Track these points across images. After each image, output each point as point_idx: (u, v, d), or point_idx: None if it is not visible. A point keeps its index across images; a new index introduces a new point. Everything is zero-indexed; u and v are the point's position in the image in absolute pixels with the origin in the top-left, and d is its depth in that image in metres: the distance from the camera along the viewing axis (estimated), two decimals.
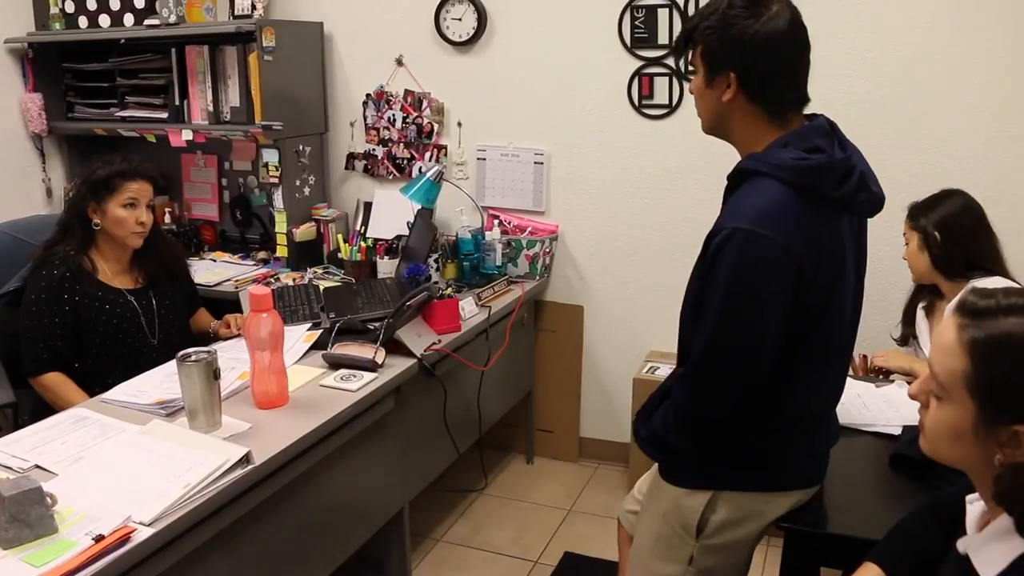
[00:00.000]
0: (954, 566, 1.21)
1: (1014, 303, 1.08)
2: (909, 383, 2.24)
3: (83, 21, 3.62)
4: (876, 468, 1.92)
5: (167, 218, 3.79)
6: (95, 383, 2.45)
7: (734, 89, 1.54)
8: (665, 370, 3.15)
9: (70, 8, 3.63)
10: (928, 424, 1.17)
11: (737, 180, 1.58)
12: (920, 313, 2.53)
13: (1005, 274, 2.32)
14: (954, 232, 2.34)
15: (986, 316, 1.08)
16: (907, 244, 2.44)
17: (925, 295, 2.52)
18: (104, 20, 3.58)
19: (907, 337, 2.59)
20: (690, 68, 1.66)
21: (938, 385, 1.12)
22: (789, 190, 1.47)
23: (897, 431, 2.04)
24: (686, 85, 3.14)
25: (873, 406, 2.18)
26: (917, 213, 2.41)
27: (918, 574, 1.37)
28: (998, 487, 1.09)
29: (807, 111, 1.63)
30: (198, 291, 2.96)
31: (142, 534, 1.59)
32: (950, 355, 1.10)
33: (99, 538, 1.54)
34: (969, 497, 1.25)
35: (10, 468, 1.83)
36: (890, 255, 2.67)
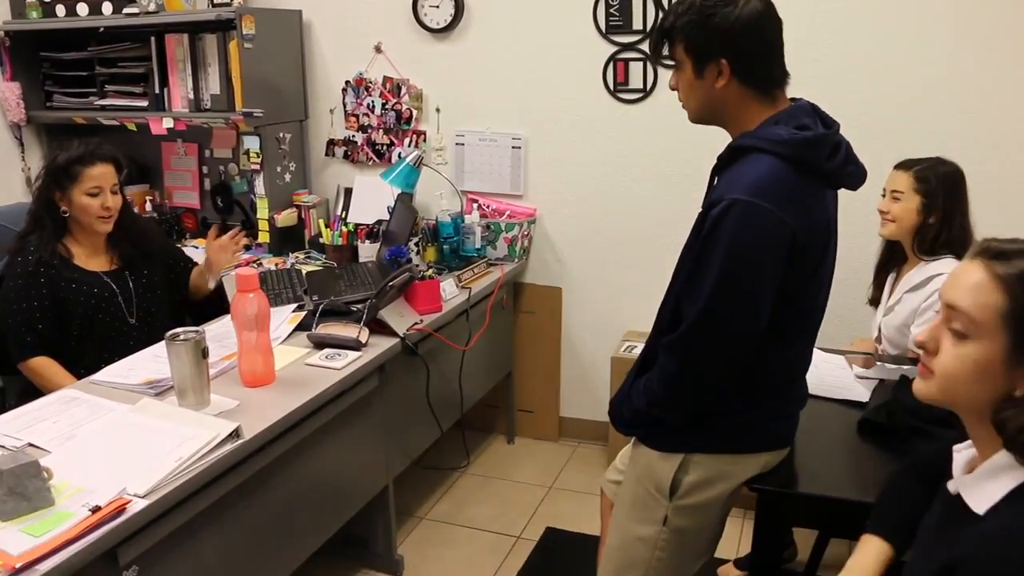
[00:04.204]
0: (942, 507, 1.27)
1: None
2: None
3: (60, 9, 3.62)
4: (844, 433, 2.00)
5: (148, 206, 3.82)
6: (75, 367, 2.49)
7: (727, 75, 1.60)
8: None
9: None
10: (945, 364, 1.18)
11: (730, 158, 1.65)
12: (891, 278, 2.56)
13: None
14: (953, 208, 2.36)
15: (1013, 256, 1.15)
16: (897, 200, 2.41)
17: (895, 261, 2.55)
18: (82, 8, 3.59)
19: (878, 299, 2.62)
20: (670, 64, 1.70)
21: (966, 324, 1.16)
22: (784, 164, 1.55)
23: (865, 398, 2.12)
24: (660, 71, 3.20)
25: (844, 375, 2.26)
26: (927, 175, 2.38)
27: (915, 534, 1.41)
28: (1015, 423, 1.13)
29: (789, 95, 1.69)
30: (186, 258, 2.97)
31: (137, 505, 1.64)
32: (983, 292, 1.14)
33: (95, 509, 1.59)
34: (957, 446, 1.30)
35: (3, 447, 1.86)
36: (863, 230, 2.70)
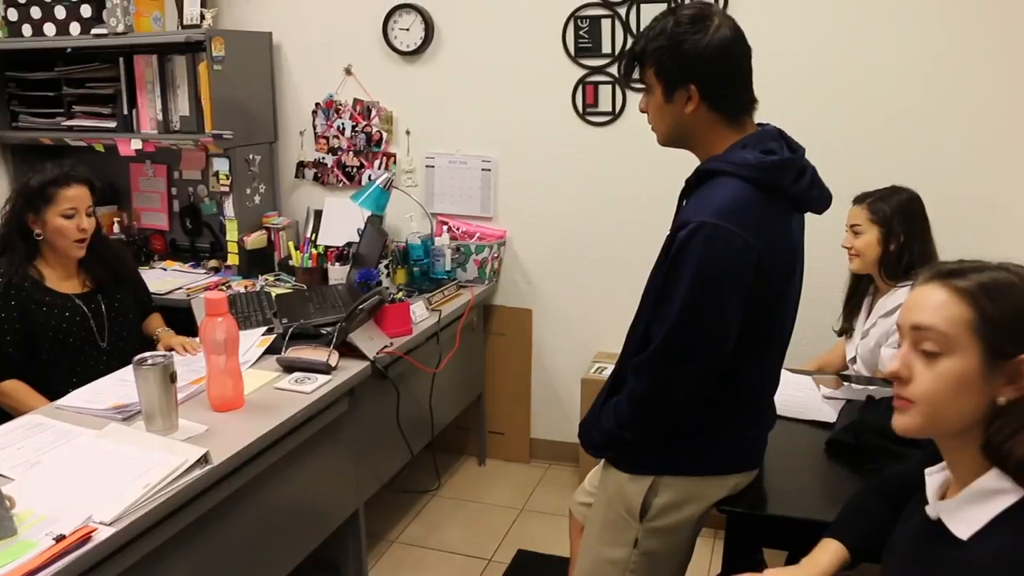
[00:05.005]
0: (918, 531, 1.28)
1: (980, 264, 1.21)
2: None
3: (27, 29, 3.59)
4: (813, 453, 2.01)
5: (116, 228, 3.78)
6: (41, 391, 2.45)
7: (696, 100, 1.63)
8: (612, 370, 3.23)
9: (13, 16, 3.60)
10: (926, 387, 1.18)
11: (698, 181, 1.67)
12: (867, 302, 2.60)
13: None
14: (912, 233, 2.41)
15: (967, 273, 1.19)
16: (858, 235, 2.47)
17: (863, 292, 2.60)
18: (49, 29, 3.56)
19: (848, 330, 2.67)
20: (640, 87, 1.73)
21: (938, 341, 1.17)
22: (750, 187, 1.58)
23: (832, 418, 2.15)
24: (629, 95, 3.24)
25: (812, 396, 2.29)
26: (880, 206, 2.44)
27: (873, 547, 1.44)
28: (999, 435, 1.14)
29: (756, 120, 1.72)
30: (150, 294, 2.95)
31: (103, 534, 1.61)
32: (949, 307, 1.17)
33: (60, 538, 1.56)
34: (929, 469, 1.31)
35: None
36: (829, 253, 2.73)
